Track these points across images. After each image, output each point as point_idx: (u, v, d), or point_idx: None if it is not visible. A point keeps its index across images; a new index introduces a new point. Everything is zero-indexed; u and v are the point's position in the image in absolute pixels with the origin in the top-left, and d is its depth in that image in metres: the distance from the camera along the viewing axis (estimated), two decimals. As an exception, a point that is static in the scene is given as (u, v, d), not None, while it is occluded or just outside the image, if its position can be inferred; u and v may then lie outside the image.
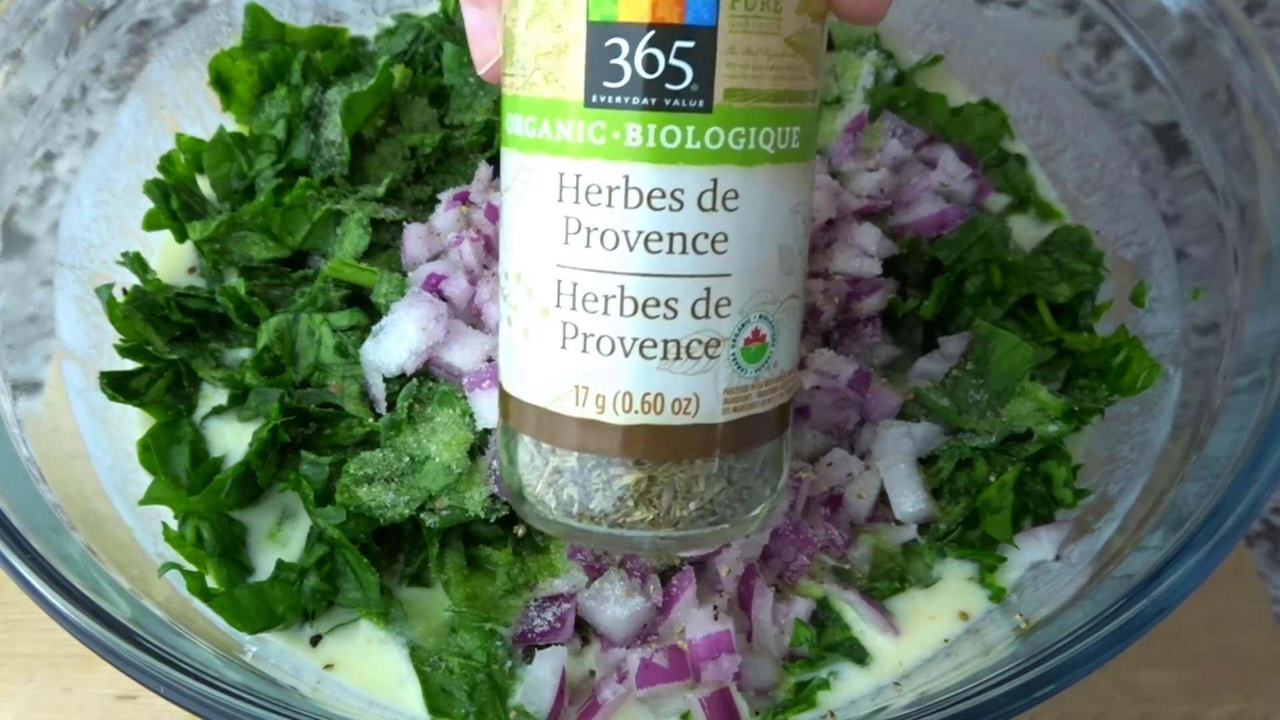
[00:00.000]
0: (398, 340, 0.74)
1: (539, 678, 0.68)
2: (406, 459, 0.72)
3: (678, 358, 0.52)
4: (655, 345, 0.52)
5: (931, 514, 0.75)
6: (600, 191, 0.51)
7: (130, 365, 0.79)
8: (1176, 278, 0.79)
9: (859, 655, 0.70)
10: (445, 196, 0.84)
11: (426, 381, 0.74)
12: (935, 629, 0.72)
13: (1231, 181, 0.74)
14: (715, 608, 0.69)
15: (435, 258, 0.81)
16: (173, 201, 0.85)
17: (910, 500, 0.74)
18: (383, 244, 0.84)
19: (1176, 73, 0.79)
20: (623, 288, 0.52)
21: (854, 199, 0.83)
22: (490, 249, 0.80)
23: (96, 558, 0.65)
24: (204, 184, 0.89)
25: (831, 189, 0.83)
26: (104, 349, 0.80)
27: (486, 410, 0.71)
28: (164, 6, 0.89)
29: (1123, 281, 0.83)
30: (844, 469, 0.75)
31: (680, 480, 0.55)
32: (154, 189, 0.84)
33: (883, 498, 0.75)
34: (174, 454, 0.77)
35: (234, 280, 0.82)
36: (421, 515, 0.70)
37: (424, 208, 0.87)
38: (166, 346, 0.81)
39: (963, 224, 0.83)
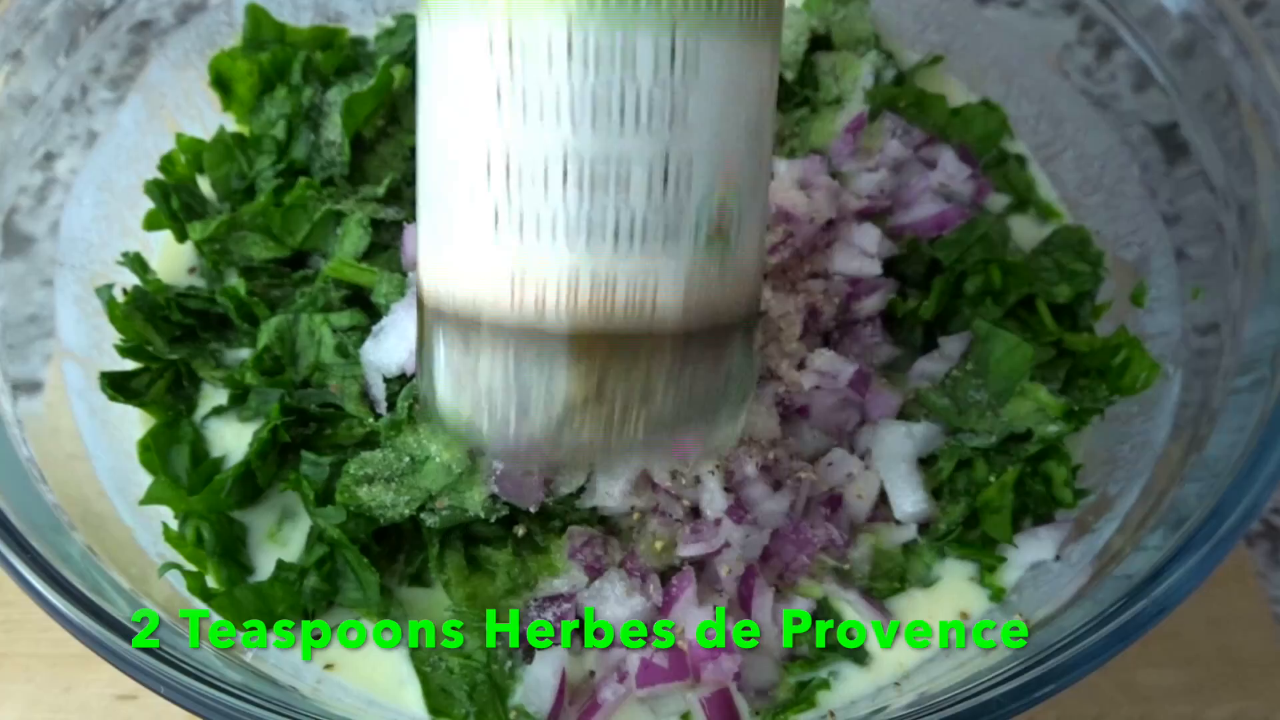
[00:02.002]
0: (398, 340, 0.74)
1: (539, 678, 0.68)
2: (407, 459, 0.72)
3: (630, 242, 0.45)
4: (604, 229, 0.44)
5: (931, 514, 0.75)
6: (537, 50, 0.43)
7: (130, 365, 0.79)
8: (1176, 278, 0.79)
9: (859, 655, 0.70)
10: None
11: None
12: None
13: (1231, 181, 0.74)
14: (715, 608, 0.69)
15: None
16: (173, 201, 0.85)
17: (910, 500, 0.74)
18: (383, 244, 0.84)
19: (1176, 73, 0.79)
20: (565, 160, 0.44)
21: (854, 199, 0.83)
22: None
23: (96, 558, 0.65)
24: (204, 184, 0.89)
25: (831, 189, 0.83)
26: (104, 349, 0.79)
27: None
28: (164, 6, 0.89)
29: (1123, 281, 0.83)
30: (844, 469, 0.75)
31: (633, 387, 0.48)
32: (154, 189, 0.84)
33: (883, 498, 0.75)
34: (174, 454, 0.77)
35: (234, 280, 0.82)
36: (421, 515, 0.70)
37: (424, 208, 0.87)
38: (166, 346, 0.81)
39: (963, 224, 0.83)
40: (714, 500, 0.71)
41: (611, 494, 0.71)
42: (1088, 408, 0.75)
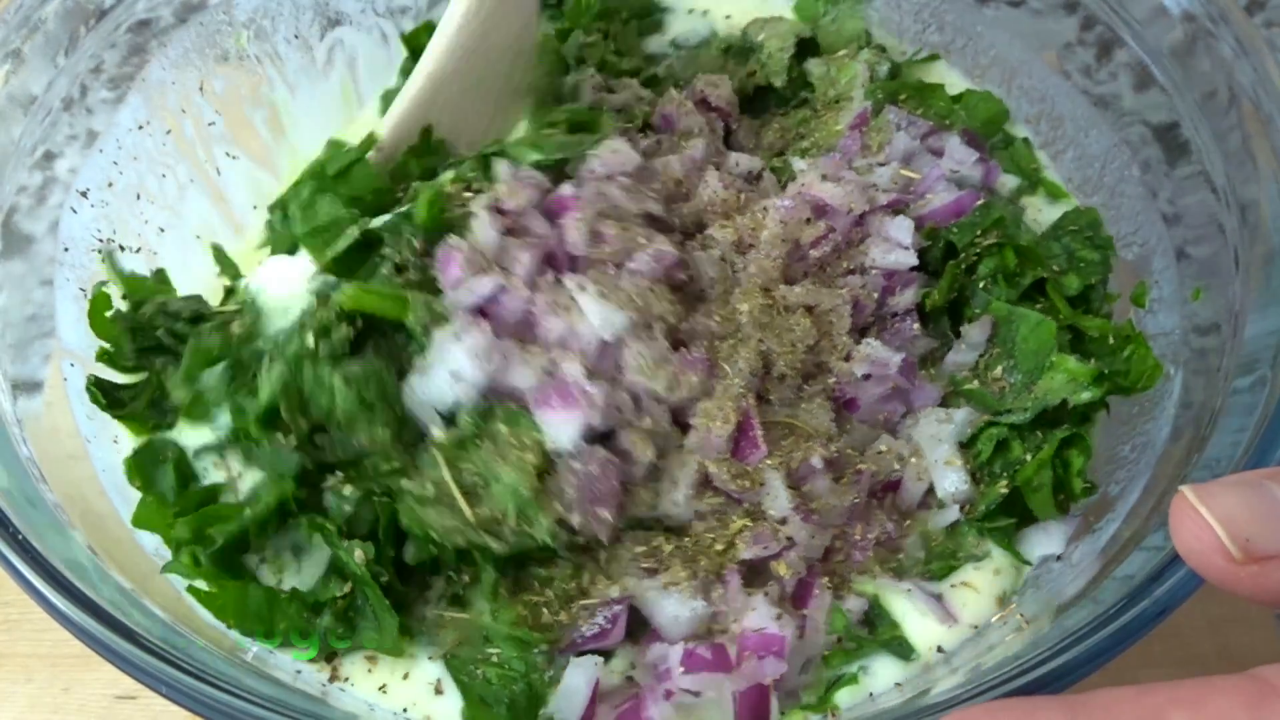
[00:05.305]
0: (449, 377, 0.69)
1: (572, 686, 0.65)
2: (472, 480, 0.67)
3: None
4: None
5: (972, 495, 0.75)
6: None
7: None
8: (1176, 278, 0.79)
9: (904, 650, 0.69)
10: (478, 208, 0.76)
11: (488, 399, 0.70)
12: (981, 613, 0.71)
13: (1232, 181, 0.74)
14: (780, 615, 0.67)
15: (476, 274, 0.73)
16: None
17: (952, 480, 0.74)
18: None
19: (1176, 73, 0.79)
20: None
21: (880, 193, 0.83)
22: (552, 260, 0.74)
23: (96, 558, 0.65)
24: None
25: (859, 183, 0.83)
26: (104, 349, 0.79)
27: (557, 429, 0.67)
28: (164, 6, 0.89)
29: (1123, 281, 0.83)
30: (895, 455, 0.75)
31: None
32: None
33: (924, 483, 0.76)
34: (159, 475, 0.73)
35: None
36: (487, 539, 0.66)
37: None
38: (133, 356, 0.76)
39: (978, 207, 0.83)
40: (778, 499, 0.70)
41: (677, 500, 0.70)
42: (1117, 370, 0.74)
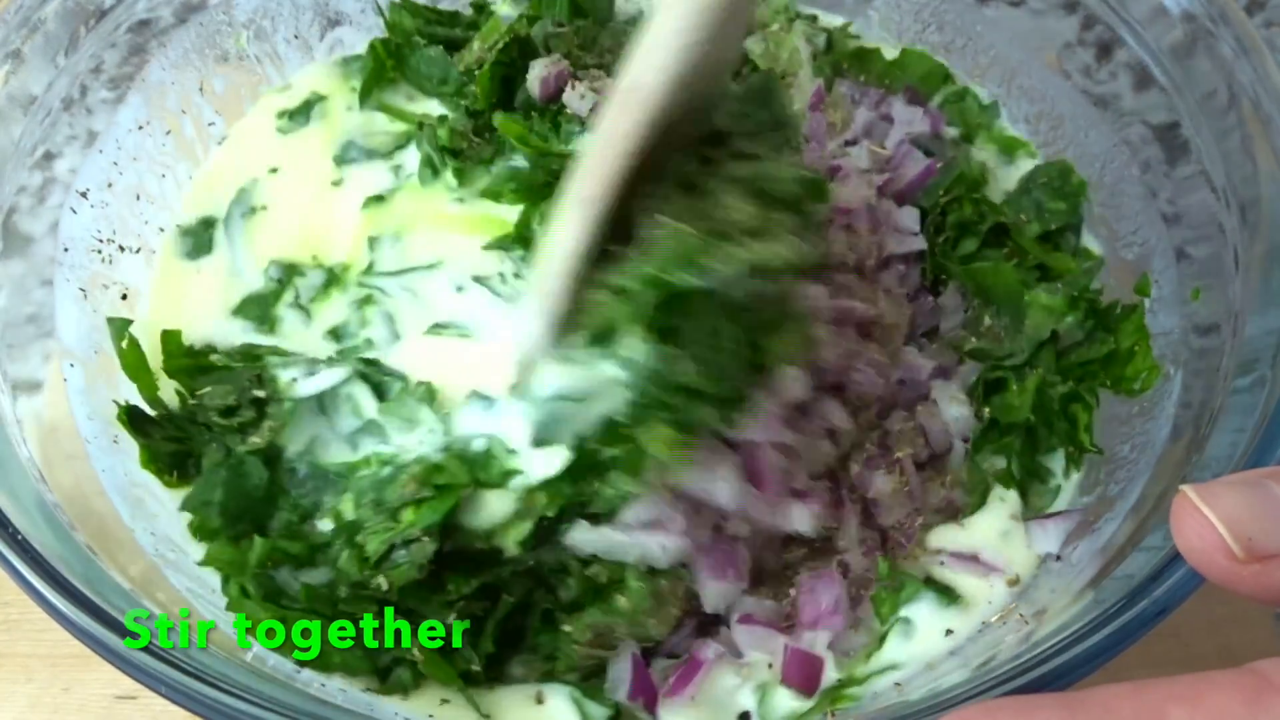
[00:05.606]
0: (631, 552, 0.67)
1: (619, 674, 0.68)
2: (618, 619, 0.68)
3: None
4: None
5: (972, 424, 0.78)
6: None
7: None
8: (1176, 278, 0.79)
9: (949, 596, 0.71)
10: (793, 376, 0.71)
11: None
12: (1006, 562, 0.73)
13: (1232, 181, 0.74)
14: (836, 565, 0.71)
15: None
16: None
17: (956, 411, 0.77)
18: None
19: (1176, 73, 0.79)
20: None
21: (874, 176, 0.84)
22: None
23: (96, 558, 0.65)
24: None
25: (856, 171, 0.84)
26: (104, 350, 0.79)
27: (718, 598, 0.67)
28: (164, 6, 0.89)
29: (1123, 282, 0.83)
30: (903, 419, 0.78)
31: None
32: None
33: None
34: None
35: None
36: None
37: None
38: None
39: (941, 167, 0.84)
40: (849, 534, 0.73)
41: (766, 560, 0.72)
42: (1085, 293, 0.78)
